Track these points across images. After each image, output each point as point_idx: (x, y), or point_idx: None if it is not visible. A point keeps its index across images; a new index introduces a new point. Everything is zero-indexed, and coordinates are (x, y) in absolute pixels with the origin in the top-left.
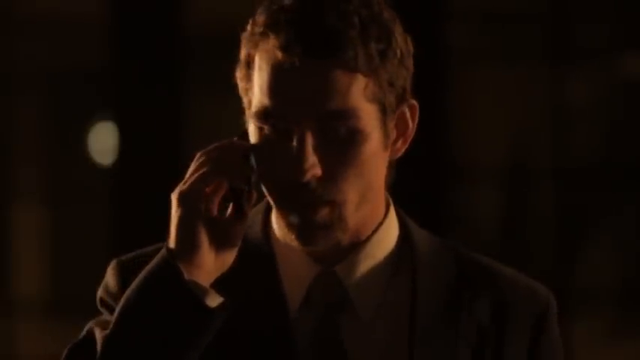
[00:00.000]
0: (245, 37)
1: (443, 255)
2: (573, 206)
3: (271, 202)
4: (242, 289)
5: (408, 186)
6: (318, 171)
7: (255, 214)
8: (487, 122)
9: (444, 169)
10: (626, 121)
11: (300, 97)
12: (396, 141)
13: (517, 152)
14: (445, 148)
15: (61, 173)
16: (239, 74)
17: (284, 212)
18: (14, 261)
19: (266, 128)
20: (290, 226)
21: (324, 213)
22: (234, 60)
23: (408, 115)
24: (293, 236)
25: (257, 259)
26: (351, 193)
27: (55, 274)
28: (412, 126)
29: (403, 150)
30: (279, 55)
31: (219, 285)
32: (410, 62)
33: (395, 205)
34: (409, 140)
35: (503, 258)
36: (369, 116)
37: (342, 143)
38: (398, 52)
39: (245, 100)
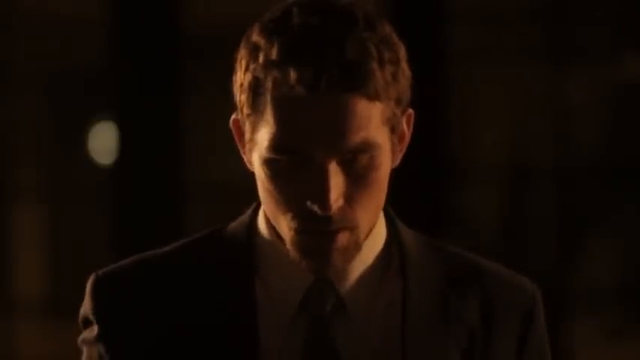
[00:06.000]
0: (253, 63)
1: (430, 254)
2: (573, 206)
3: (282, 231)
4: (215, 310)
5: (408, 186)
6: (341, 202)
7: (238, 225)
8: (487, 122)
9: (444, 169)
10: (627, 121)
11: (323, 133)
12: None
13: (517, 152)
14: (445, 148)
15: (61, 173)
16: (242, 98)
17: (300, 240)
18: (14, 261)
19: (280, 159)
20: (306, 253)
21: (342, 239)
22: (234, 60)
23: (404, 123)
24: (310, 263)
25: (235, 277)
26: (367, 217)
27: (55, 274)
28: (409, 134)
29: (400, 157)
30: (301, 90)
31: (196, 300)
32: (409, 72)
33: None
34: (405, 147)
35: (504, 258)
36: (383, 140)
37: (362, 172)
38: (405, 69)
39: (248, 126)
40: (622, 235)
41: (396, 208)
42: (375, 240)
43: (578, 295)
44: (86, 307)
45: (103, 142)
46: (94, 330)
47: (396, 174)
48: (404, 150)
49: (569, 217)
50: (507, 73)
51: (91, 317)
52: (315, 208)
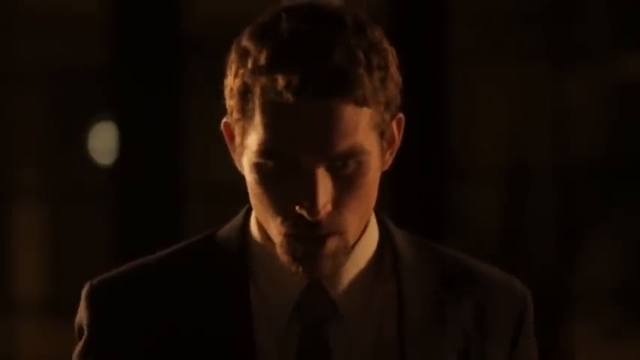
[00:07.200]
0: (242, 68)
1: (423, 254)
2: (573, 206)
3: (272, 235)
4: (212, 317)
5: (408, 186)
6: (329, 207)
7: (231, 228)
8: (487, 122)
9: (445, 169)
10: (627, 121)
11: (311, 139)
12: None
13: (517, 152)
14: (445, 148)
15: (61, 173)
16: (232, 102)
17: (289, 245)
18: (14, 261)
19: (269, 163)
20: (295, 257)
21: (332, 244)
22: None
23: (395, 128)
24: (299, 268)
25: (230, 282)
26: (355, 221)
27: (55, 274)
28: (399, 138)
29: (391, 162)
30: (289, 96)
31: (189, 307)
32: (399, 77)
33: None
34: (395, 152)
35: (504, 258)
36: (372, 145)
37: (350, 177)
38: (394, 74)
39: (237, 131)
40: (622, 235)
41: (396, 208)
42: (367, 243)
43: (578, 295)
44: (81, 316)
45: (103, 142)
46: (89, 339)
47: (396, 174)
48: (394, 153)
49: (569, 217)
50: (507, 74)
51: (85, 326)
52: (304, 213)
